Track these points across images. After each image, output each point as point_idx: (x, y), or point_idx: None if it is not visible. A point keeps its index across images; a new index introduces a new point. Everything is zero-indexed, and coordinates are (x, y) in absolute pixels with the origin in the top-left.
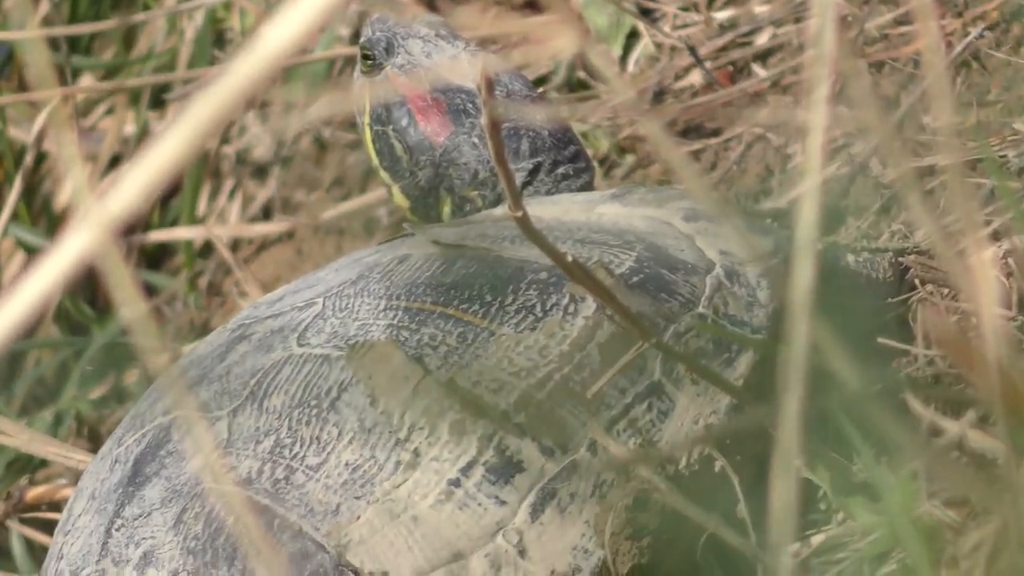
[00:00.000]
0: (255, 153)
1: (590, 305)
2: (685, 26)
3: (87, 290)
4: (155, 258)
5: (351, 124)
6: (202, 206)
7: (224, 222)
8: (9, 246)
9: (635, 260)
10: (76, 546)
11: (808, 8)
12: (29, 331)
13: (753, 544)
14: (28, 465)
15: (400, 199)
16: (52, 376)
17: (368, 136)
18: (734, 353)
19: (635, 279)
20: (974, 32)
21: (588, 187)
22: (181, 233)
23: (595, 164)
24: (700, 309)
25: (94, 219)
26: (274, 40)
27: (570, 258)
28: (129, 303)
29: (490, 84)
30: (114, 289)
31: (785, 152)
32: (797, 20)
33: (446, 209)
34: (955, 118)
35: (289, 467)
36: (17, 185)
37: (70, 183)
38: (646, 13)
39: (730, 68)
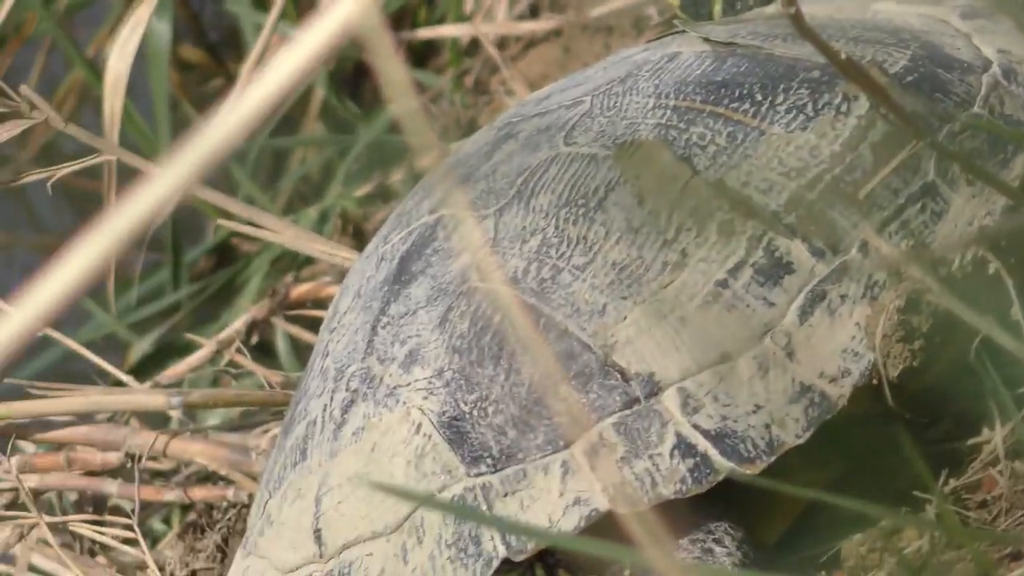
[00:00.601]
0: None
1: (863, 104)
2: None
3: (353, 87)
4: (421, 56)
5: None
6: (469, 3)
7: (491, 19)
8: (276, 44)
9: (910, 58)
10: (342, 343)
11: None
12: (294, 127)
13: None
14: (293, 262)
15: None
16: (317, 174)
17: None
18: (1010, 153)
19: (909, 78)
20: None
21: None
22: (448, 31)
23: None
24: (976, 108)
25: None
26: None
27: (843, 56)
28: (400, 95)
29: None
30: (385, 81)
31: None
32: None
33: (717, 7)
34: None
35: (555, 266)
36: None
37: None
38: None
39: None
